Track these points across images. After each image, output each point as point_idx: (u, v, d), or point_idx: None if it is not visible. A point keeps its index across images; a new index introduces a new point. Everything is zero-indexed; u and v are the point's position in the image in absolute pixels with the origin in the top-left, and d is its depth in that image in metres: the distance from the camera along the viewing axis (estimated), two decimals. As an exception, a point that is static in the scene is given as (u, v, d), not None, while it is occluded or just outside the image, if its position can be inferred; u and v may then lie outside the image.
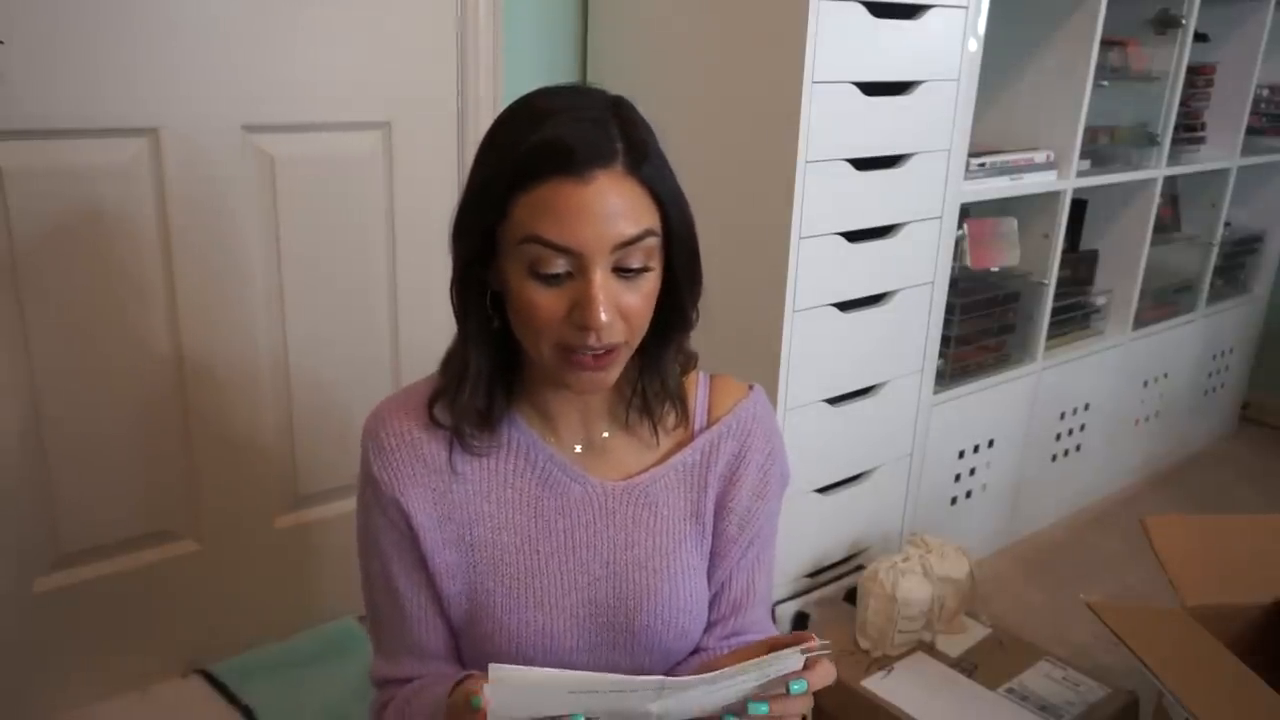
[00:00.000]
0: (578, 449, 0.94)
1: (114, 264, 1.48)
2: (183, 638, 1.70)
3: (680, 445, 0.96)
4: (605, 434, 0.95)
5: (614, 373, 0.86)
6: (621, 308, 0.82)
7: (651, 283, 0.85)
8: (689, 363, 0.97)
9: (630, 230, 0.81)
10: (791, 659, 0.76)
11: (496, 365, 0.90)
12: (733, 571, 0.99)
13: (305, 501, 1.78)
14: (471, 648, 0.94)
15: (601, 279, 0.80)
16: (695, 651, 0.98)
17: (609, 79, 1.86)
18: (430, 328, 1.84)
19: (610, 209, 0.79)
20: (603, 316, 0.80)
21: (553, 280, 0.81)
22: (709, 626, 0.98)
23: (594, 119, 0.81)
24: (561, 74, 1.89)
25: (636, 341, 0.87)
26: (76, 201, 1.43)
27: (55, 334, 1.46)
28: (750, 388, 1.01)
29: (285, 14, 1.54)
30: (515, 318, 0.85)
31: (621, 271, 0.82)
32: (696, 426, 0.97)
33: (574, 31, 1.88)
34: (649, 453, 0.96)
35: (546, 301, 0.81)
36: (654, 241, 0.83)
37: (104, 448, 1.54)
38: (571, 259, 0.80)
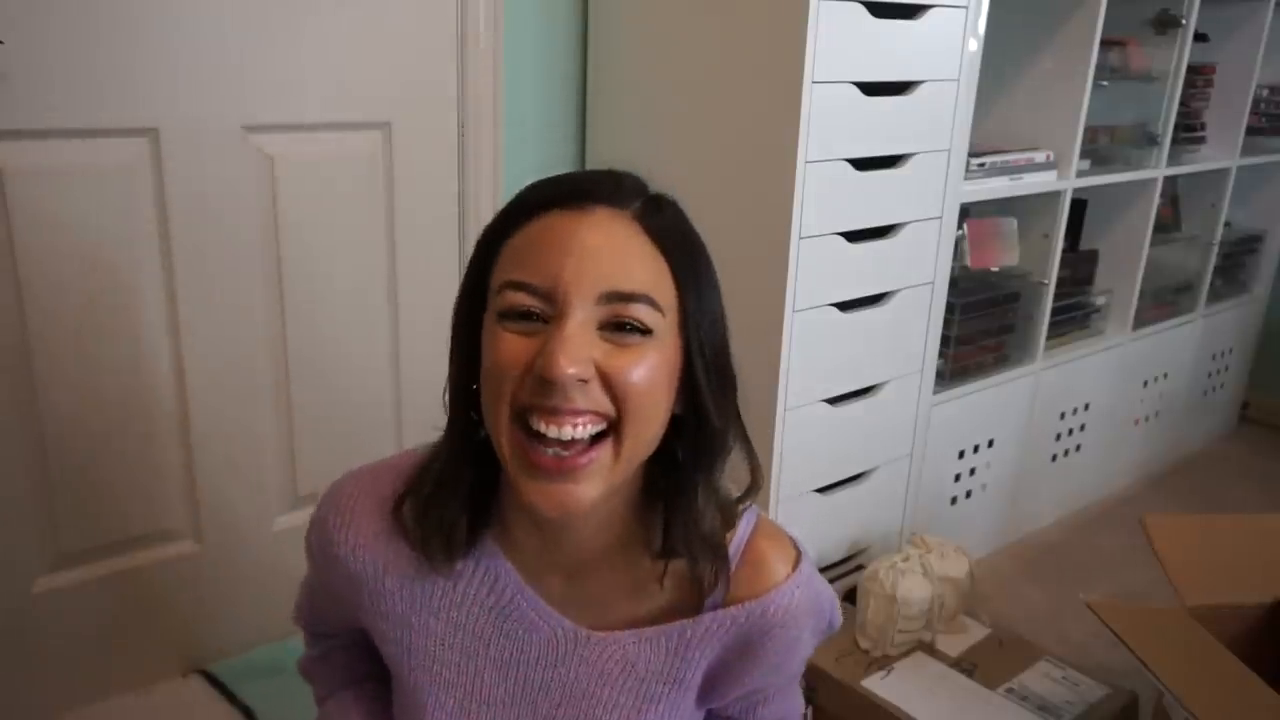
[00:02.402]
0: (554, 584, 0.78)
1: (114, 264, 1.48)
2: (183, 638, 1.70)
3: (681, 603, 0.79)
4: (595, 566, 0.78)
5: (590, 486, 0.67)
6: (606, 370, 0.65)
7: (656, 358, 0.67)
8: (729, 514, 0.77)
9: (625, 280, 0.65)
10: None
11: (477, 479, 0.74)
12: (726, 711, 0.86)
13: (305, 501, 1.78)
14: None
15: (578, 324, 0.64)
16: None
17: (609, 79, 1.86)
18: (430, 327, 1.84)
19: (603, 248, 0.65)
20: (566, 366, 0.62)
21: (522, 322, 0.65)
22: None
23: (609, 172, 0.70)
24: (562, 73, 1.88)
25: (632, 436, 0.67)
26: (76, 202, 1.43)
27: (55, 334, 1.46)
28: (796, 563, 0.80)
29: (285, 14, 1.54)
30: (483, 393, 0.68)
31: (611, 329, 0.66)
32: (709, 598, 0.78)
33: (574, 31, 1.88)
34: (642, 601, 0.79)
35: (510, 348, 0.65)
36: (665, 318, 0.67)
37: (104, 448, 1.54)
38: (547, 300, 0.65)
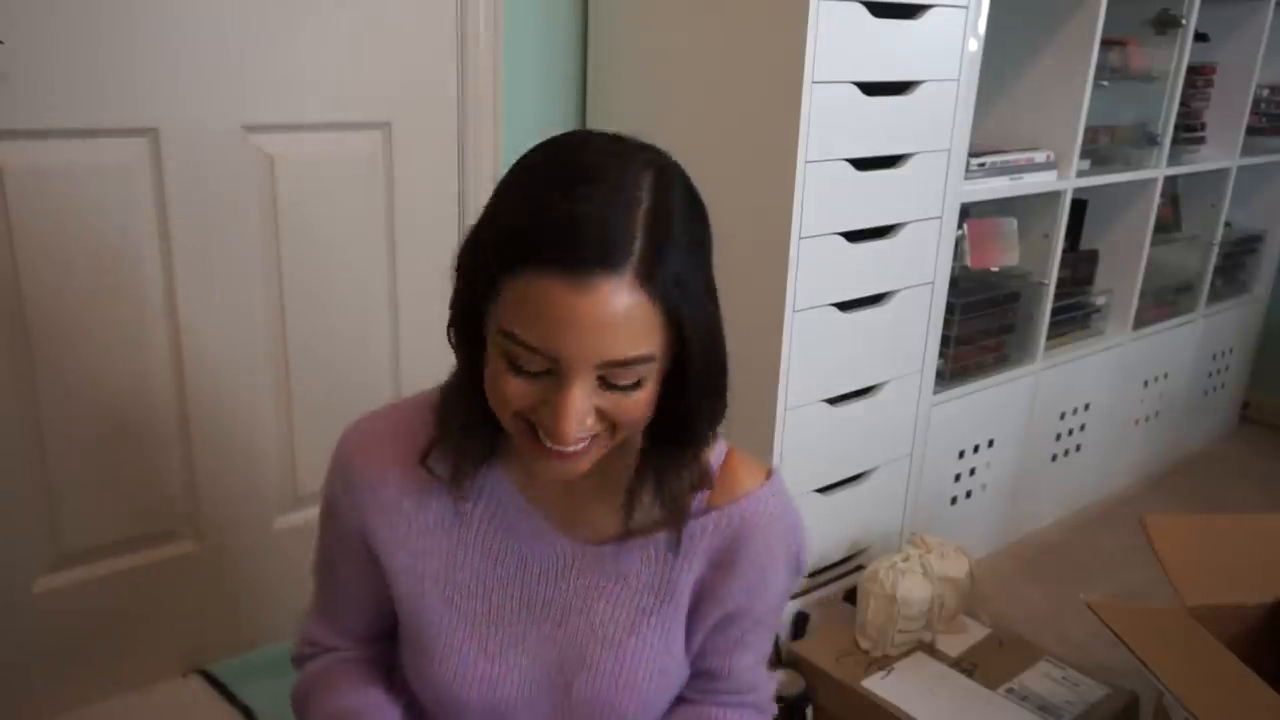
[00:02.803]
0: (553, 506, 0.86)
1: (114, 264, 1.48)
2: (183, 638, 1.70)
3: (665, 520, 0.85)
4: (589, 490, 0.86)
5: (587, 463, 0.76)
6: (605, 409, 0.72)
7: (650, 384, 0.73)
8: (703, 480, 0.85)
9: (624, 352, 0.69)
10: None
11: (485, 413, 0.79)
12: (704, 649, 0.91)
13: (305, 501, 1.78)
14: (408, 661, 0.91)
15: (579, 391, 0.70)
16: (677, 703, 0.92)
17: (610, 79, 1.86)
18: (429, 327, 1.84)
19: (604, 324, 0.67)
20: (573, 433, 0.71)
21: (529, 375, 0.71)
22: (690, 678, 0.92)
23: (623, 201, 0.68)
24: (562, 73, 1.89)
25: (624, 436, 0.76)
26: (76, 201, 1.43)
27: (55, 334, 1.46)
28: (769, 475, 0.89)
29: (285, 14, 1.54)
30: (486, 382, 0.75)
31: (608, 384, 0.71)
32: (694, 505, 0.86)
33: (575, 31, 1.88)
34: (630, 518, 0.85)
35: (519, 391, 0.72)
36: (652, 366, 0.72)
37: (104, 448, 1.54)
38: (550, 362, 0.69)
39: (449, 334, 0.79)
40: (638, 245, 0.68)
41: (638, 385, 0.72)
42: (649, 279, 0.68)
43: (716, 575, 0.86)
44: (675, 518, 0.83)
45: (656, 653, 0.87)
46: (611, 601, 0.86)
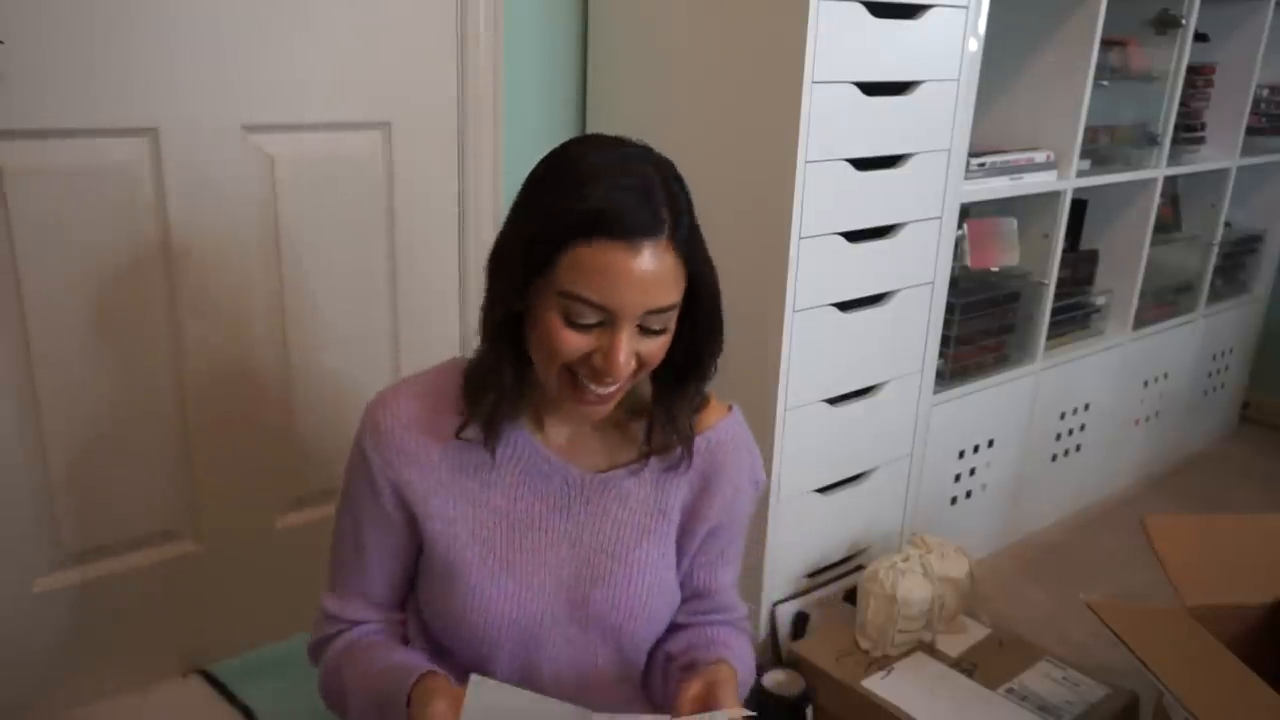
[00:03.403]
0: (561, 443, 1.02)
1: (114, 264, 1.48)
2: (183, 638, 1.70)
3: (655, 448, 1.02)
4: (592, 429, 1.02)
5: (612, 403, 0.94)
6: (641, 352, 0.90)
7: (668, 336, 0.92)
8: (702, 406, 1.03)
9: (664, 301, 0.88)
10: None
11: (514, 375, 0.96)
12: (693, 565, 1.07)
13: (305, 501, 1.78)
14: (438, 604, 1.01)
15: (627, 336, 0.88)
16: (672, 630, 1.08)
17: (610, 79, 1.86)
18: (430, 327, 1.84)
19: (651, 279, 0.86)
20: (624, 370, 0.88)
21: (583, 328, 0.88)
22: (681, 603, 1.08)
23: (643, 188, 0.86)
24: (562, 74, 1.89)
25: (645, 373, 0.93)
26: (76, 201, 1.43)
27: (55, 334, 1.46)
28: (730, 409, 1.08)
29: (285, 14, 1.54)
30: (536, 342, 0.91)
31: (643, 329, 0.89)
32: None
33: (574, 31, 1.88)
34: (629, 448, 1.03)
35: (573, 342, 0.88)
36: (675, 313, 0.91)
37: (104, 448, 1.54)
38: (605, 314, 0.87)
39: (482, 323, 0.94)
40: (665, 214, 0.87)
41: (663, 330, 0.90)
42: (675, 240, 0.87)
43: (700, 497, 1.04)
44: (685, 440, 1.00)
45: (656, 566, 1.02)
46: (616, 522, 1.01)
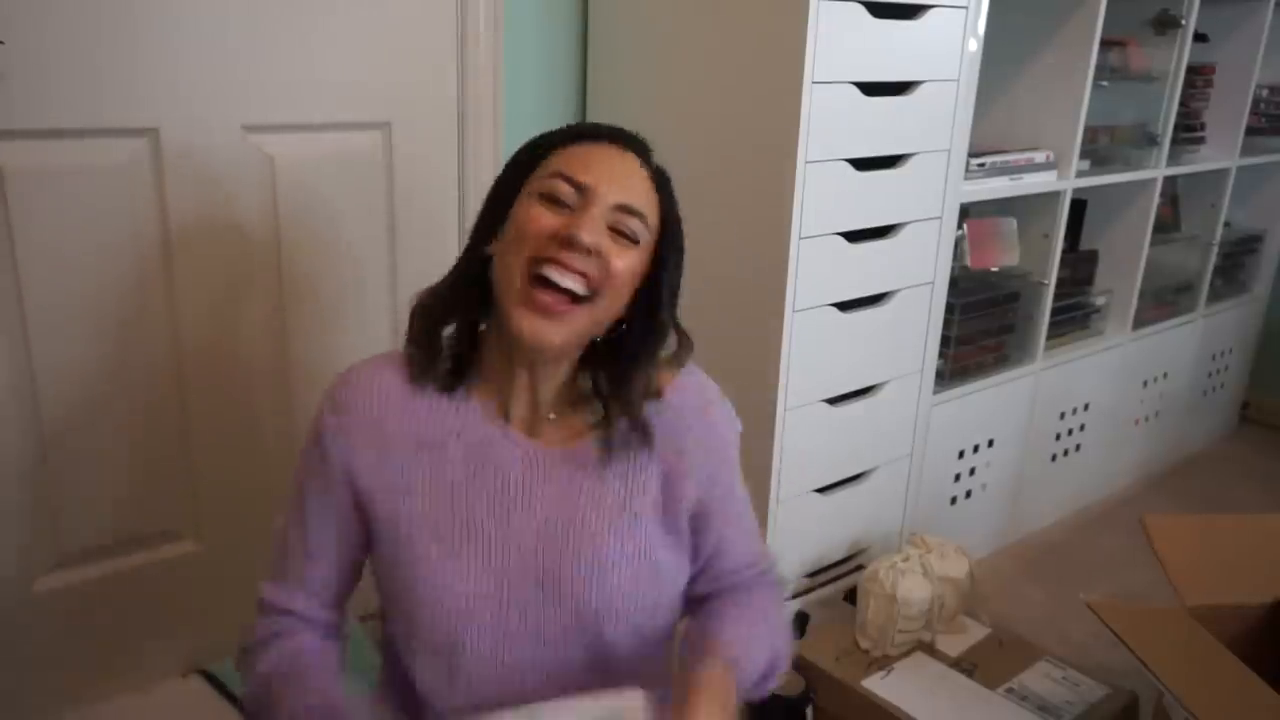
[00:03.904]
0: (521, 419, 1.00)
1: (114, 264, 1.48)
2: (183, 638, 1.70)
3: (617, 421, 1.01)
4: (552, 415, 1.01)
5: (565, 329, 0.92)
6: (604, 253, 0.91)
7: (635, 260, 0.94)
8: (658, 394, 1.01)
9: (637, 200, 0.93)
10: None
11: (469, 326, 1.00)
12: (696, 527, 1.04)
13: (305, 501, 1.78)
14: (395, 588, 0.98)
15: (598, 215, 0.91)
16: (691, 605, 1.06)
17: (610, 79, 1.86)
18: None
19: (627, 174, 0.94)
20: (587, 236, 0.89)
21: (558, 205, 0.92)
22: (694, 575, 1.06)
23: (623, 132, 0.98)
24: (562, 73, 1.89)
25: (600, 310, 0.93)
26: (76, 201, 1.43)
27: (55, 334, 1.46)
28: (677, 369, 1.06)
29: (285, 14, 1.54)
30: (506, 242, 0.94)
31: (615, 232, 0.92)
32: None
33: (574, 31, 1.88)
34: (588, 424, 1.01)
35: (545, 219, 0.91)
36: (647, 236, 0.95)
37: (104, 447, 1.54)
38: (581, 195, 0.91)
39: (463, 252, 0.99)
40: (642, 149, 0.98)
41: (633, 241, 0.93)
42: (657, 177, 0.97)
43: (676, 460, 1.01)
44: (635, 409, 0.98)
45: (634, 540, 0.99)
46: (588, 494, 0.99)
